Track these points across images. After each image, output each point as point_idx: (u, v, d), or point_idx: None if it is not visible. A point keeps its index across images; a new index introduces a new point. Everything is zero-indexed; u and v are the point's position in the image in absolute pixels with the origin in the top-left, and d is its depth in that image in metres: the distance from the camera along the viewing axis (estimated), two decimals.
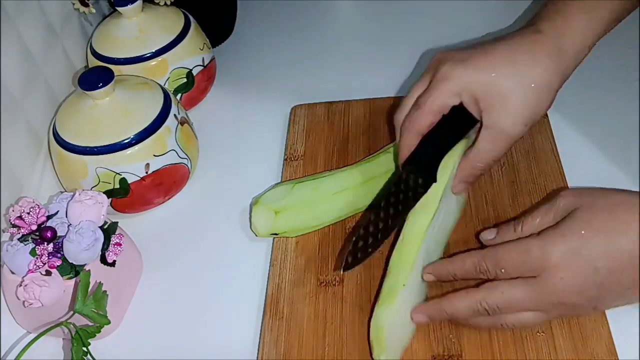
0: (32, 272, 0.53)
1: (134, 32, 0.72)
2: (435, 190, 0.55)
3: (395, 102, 0.72)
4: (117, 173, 0.63)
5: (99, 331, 0.51)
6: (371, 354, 0.51)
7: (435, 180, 0.55)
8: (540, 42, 0.53)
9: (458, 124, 0.55)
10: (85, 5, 0.75)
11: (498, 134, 0.53)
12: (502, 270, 0.48)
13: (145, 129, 0.63)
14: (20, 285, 0.52)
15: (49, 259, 0.54)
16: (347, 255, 0.52)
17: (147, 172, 0.64)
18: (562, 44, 0.53)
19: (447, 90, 0.54)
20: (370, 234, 0.53)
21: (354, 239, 0.52)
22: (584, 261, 0.46)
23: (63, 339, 0.58)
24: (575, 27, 0.53)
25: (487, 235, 0.54)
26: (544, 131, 0.66)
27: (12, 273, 0.54)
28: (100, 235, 0.55)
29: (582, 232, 0.46)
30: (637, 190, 0.48)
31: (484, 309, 0.48)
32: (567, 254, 0.46)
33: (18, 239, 0.55)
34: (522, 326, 0.50)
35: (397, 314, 0.51)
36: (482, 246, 0.54)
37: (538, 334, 0.51)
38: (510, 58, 0.53)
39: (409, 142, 0.56)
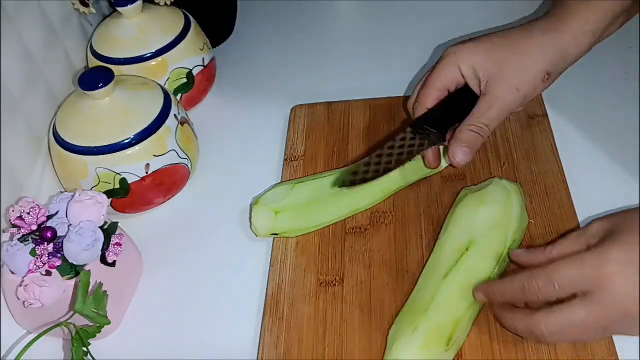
0: (32, 272, 0.53)
1: (134, 32, 0.72)
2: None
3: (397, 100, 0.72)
4: (117, 173, 0.63)
5: (99, 331, 0.51)
6: None
7: (444, 139, 0.59)
8: (536, 23, 0.59)
9: (465, 100, 0.60)
10: (85, 5, 0.75)
11: (492, 99, 0.57)
12: (556, 285, 0.46)
13: (145, 129, 0.63)
14: (20, 285, 0.52)
15: (49, 259, 0.54)
16: (346, 175, 0.56)
17: (147, 172, 0.64)
18: (560, 25, 0.57)
19: (447, 63, 0.59)
20: (371, 166, 0.56)
21: (357, 164, 0.56)
22: None
23: (63, 339, 0.58)
24: (574, 12, 0.57)
25: (518, 253, 0.54)
26: (544, 131, 0.66)
27: (12, 273, 0.54)
28: (100, 235, 0.55)
29: (634, 237, 0.45)
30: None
31: (542, 332, 0.47)
32: (623, 261, 0.45)
33: (18, 239, 0.55)
34: (581, 341, 0.49)
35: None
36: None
37: None
38: (505, 34, 0.59)
39: (418, 115, 0.60)
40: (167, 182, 0.66)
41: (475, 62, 0.58)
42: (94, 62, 0.73)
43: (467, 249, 0.54)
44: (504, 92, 0.57)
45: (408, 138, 0.58)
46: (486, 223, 0.55)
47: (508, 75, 0.57)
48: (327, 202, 0.61)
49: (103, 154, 0.62)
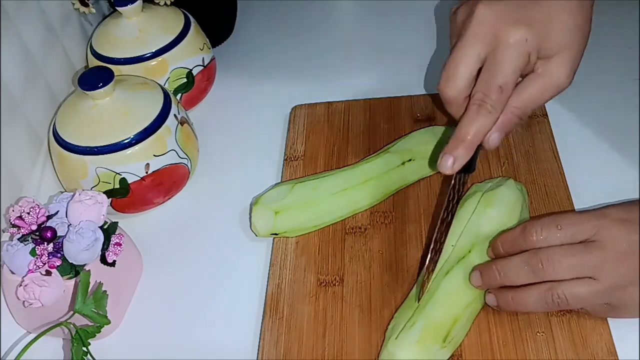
0: (32, 272, 0.53)
1: (134, 32, 0.72)
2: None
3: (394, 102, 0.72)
4: (117, 173, 0.63)
5: (99, 331, 0.51)
6: None
7: (474, 169, 0.54)
8: None
9: None
10: (85, 5, 0.75)
11: (550, 83, 0.52)
12: (558, 231, 0.49)
13: (145, 129, 0.63)
14: (20, 285, 0.53)
15: (49, 259, 0.54)
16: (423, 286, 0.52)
17: (147, 172, 0.64)
18: None
19: (522, 55, 0.50)
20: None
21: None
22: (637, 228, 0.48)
23: (63, 339, 0.58)
24: None
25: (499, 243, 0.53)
26: (544, 131, 0.66)
27: (12, 273, 0.54)
28: (100, 235, 0.55)
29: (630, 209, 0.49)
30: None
31: (553, 295, 0.49)
32: (620, 218, 0.48)
33: (18, 239, 0.55)
34: (577, 300, 0.49)
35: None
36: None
37: (538, 334, 0.51)
38: (561, 5, 0.51)
39: (483, 134, 0.52)
40: (167, 182, 0.66)
41: (541, 46, 0.51)
42: (94, 62, 0.73)
43: (469, 251, 0.54)
44: (565, 78, 0.52)
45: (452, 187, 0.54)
46: (493, 226, 0.55)
47: (571, 57, 0.51)
48: (327, 202, 0.61)
49: (103, 154, 0.62)
